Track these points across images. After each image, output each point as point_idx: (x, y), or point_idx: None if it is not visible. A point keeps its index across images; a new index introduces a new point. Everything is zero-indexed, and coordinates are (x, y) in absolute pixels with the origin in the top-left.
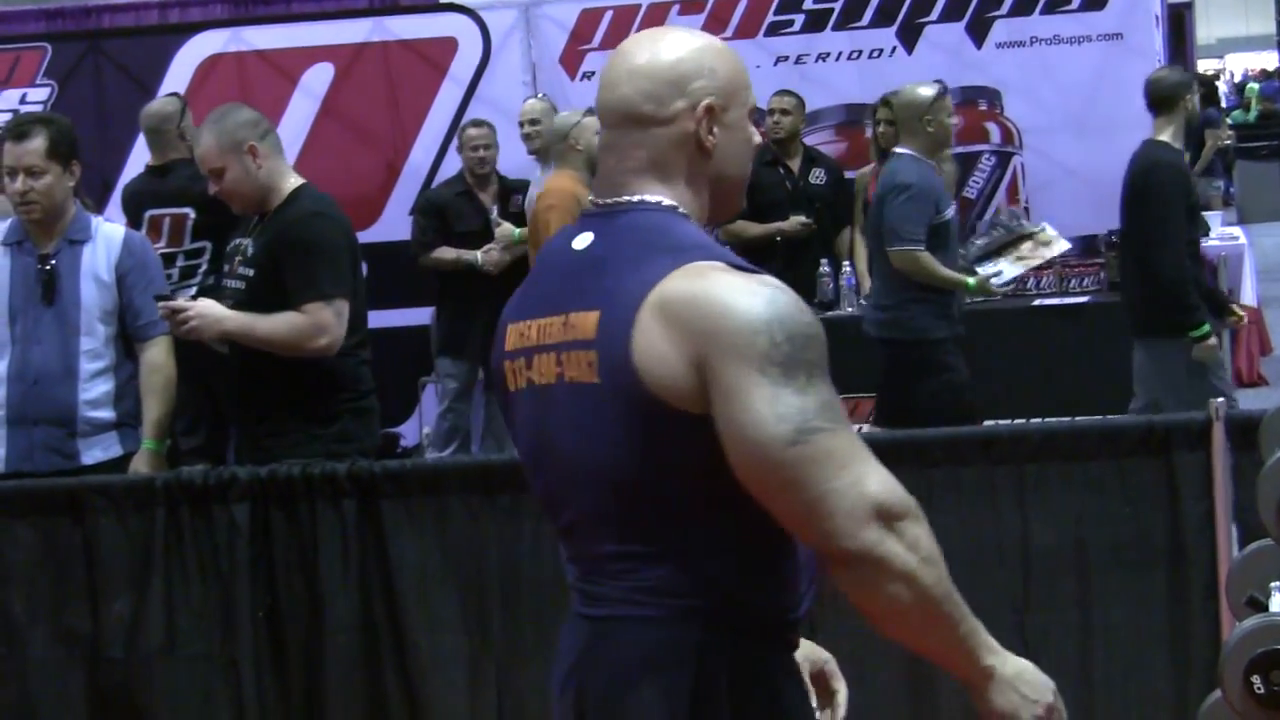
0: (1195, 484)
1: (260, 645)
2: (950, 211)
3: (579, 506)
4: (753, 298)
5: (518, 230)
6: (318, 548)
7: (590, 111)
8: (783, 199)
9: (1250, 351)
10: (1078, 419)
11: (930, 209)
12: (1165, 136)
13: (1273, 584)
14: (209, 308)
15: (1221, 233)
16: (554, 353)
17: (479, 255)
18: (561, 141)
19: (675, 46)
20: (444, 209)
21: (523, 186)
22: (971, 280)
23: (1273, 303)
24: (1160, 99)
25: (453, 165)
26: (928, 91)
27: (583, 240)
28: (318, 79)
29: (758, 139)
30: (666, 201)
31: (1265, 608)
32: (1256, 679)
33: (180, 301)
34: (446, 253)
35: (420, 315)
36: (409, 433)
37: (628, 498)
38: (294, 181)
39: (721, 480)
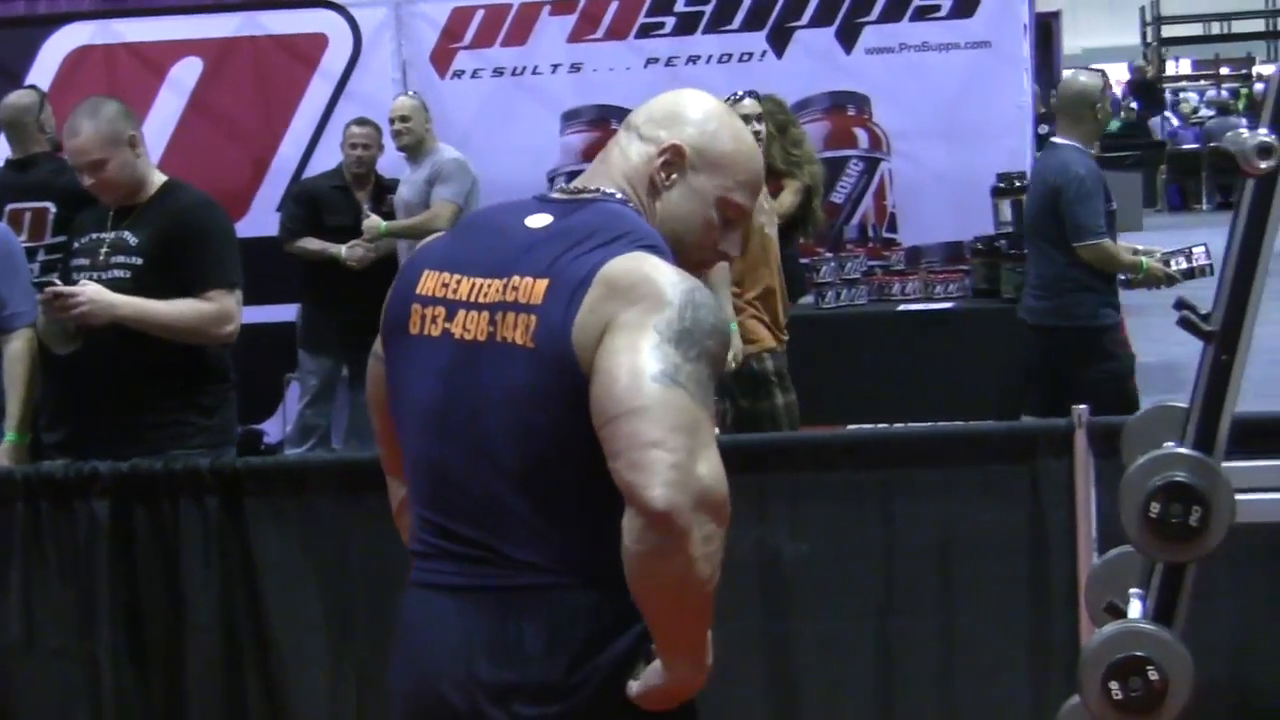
0: (1058, 490)
1: (120, 642)
2: (1114, 202)
3: (492, 468)
4: (680, 280)
5: (385, 224)
6: (179, 544)
7: (732, 99)
8: None
9: None
10: (942, 424)
11: (1103, 199)
12: None
13: (1131, 590)
14: (99, 293)
15: None
16: (488, 312)
17: (343, 250)
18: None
19: (698, 102)
20: (317, 199)
21: (395, 186)
22: (1145, 261)
23: (1135, 310)
24: None
25: (321, 162)
26: (1095, 80)
27: (539, 220)
28: (186, 72)
29: (733, 250)
30: (631, 202)
31: (1124, 614)
32: (1115, 685)
33: (67, 287)
34: (311, 243)
35: (286, 312)
36: (272, 430)
37: (548, 463)
38: (160, 174)
39: None
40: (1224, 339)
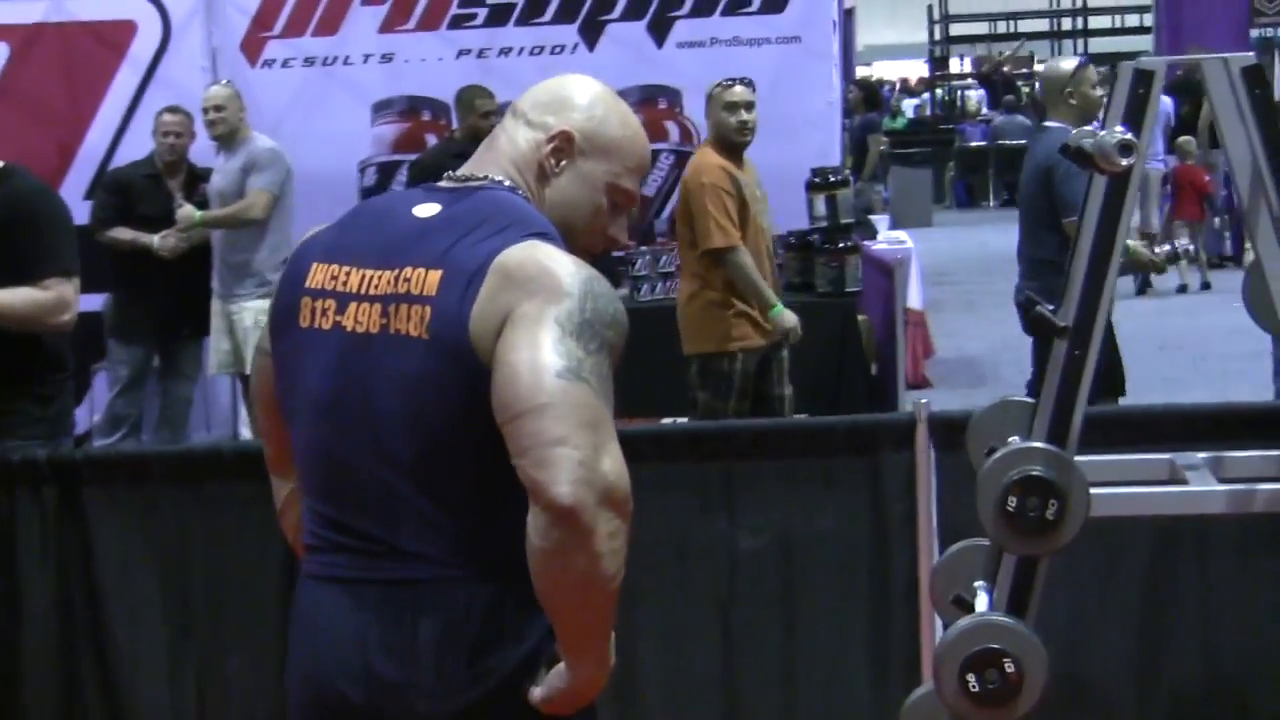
0: (899, 483)
1: None
2: None
3: (387, 460)
4: (578, 270)
5: (199, 213)
6: (16, 534)
7: (723, 85)
8: None
9: (916, 353)
10: (785, 418)
11: None
12: None
13: (976, 583)
14: None
15: (889, 236)
16: (379, 304)
17: (156, 239)
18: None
19: (584, 86)
20: (128, 188)
21: (208, 174)
22: (1130, 245)
23: (934, 307)
24: None
25: (129, 150)
26: (1068, 65)
27: (428, 209)
28: None
29: (621, 236)
30: (519, 189)
31: (971, 607)
32: (971, 677)
33: None
34: (124, 233)
35: (93, 301)
36: (80, 419)
37: (443, 453)
38: None
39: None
40: (1077, 335)
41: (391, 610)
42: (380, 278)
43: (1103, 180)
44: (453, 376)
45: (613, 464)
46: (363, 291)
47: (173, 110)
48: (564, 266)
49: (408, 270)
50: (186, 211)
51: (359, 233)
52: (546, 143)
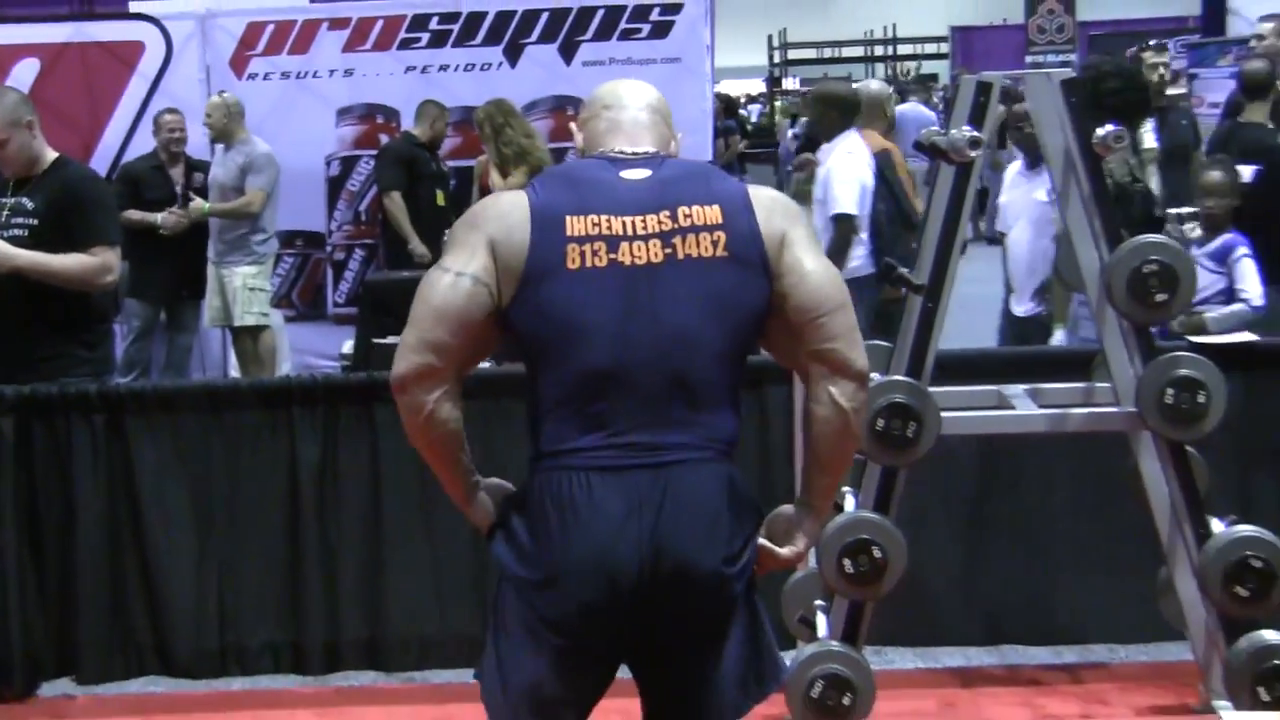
0: (780, 411)
1: (21, 534)
2: None
3: (666, 365)
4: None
5: (207, 205)
6: (72, 456)
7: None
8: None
9: None
10: None
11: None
12: None
13: (844, 489)
14: (2, 247)
15: None
16: (658, 239)
17: (159, 218)
18: (876, 107)
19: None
20: (138, 178)
21: (204, 166)
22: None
23: None
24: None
25: (138, 146)
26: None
27: (638, 173)
28: (26, 71)
29: None
30: None
31: (841, 508)
32: (847, 561)
33: None
34: (133, 214)
35: None
36: None
37: (716, 357)
38: (52, 151)
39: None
40: (931, 291)
41: (659, 487)
42: (646, 221)
43: (950, 170)
44: (750, 284)
45: None
46: (630, 233)
47: (171, 111)
48: (791, 200)
49: (683, 209)
50: (198, 204)
51: (592, 193)
52: (678, 144)
